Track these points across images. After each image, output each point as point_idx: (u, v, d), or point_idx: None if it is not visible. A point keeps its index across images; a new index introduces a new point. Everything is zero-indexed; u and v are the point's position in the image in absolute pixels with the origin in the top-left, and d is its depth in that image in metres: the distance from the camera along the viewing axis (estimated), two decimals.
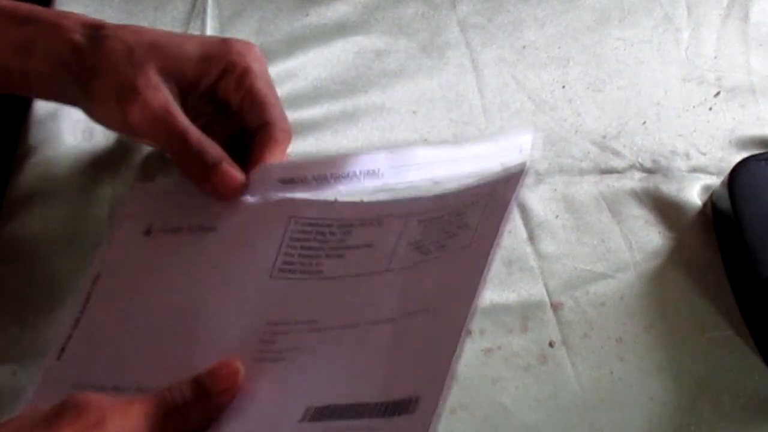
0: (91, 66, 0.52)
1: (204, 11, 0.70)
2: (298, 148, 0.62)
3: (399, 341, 0.45)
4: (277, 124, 0.55)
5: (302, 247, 0.50)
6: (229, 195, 0.53)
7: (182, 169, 0.53)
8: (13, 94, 0.58)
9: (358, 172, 0.51)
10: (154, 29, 0.56)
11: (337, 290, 0.48)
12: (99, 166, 0.61)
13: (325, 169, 0.51)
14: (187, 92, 0.54)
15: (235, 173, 0.52)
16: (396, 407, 0.41)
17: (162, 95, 0.52)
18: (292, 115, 0.64)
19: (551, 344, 0.54)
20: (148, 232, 0.53)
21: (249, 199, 0.52)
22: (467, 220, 0.47)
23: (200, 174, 0.52)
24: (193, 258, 0.52)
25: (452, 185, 0.51)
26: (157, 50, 0.53)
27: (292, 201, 0.52)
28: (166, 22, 0.70)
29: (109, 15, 0.71)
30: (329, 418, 0.42)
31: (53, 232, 0.58)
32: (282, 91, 0.65)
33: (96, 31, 0.54)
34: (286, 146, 0.55)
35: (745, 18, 0.69)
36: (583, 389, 0.52)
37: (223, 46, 0.55)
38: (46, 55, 0.53)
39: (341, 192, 0.51)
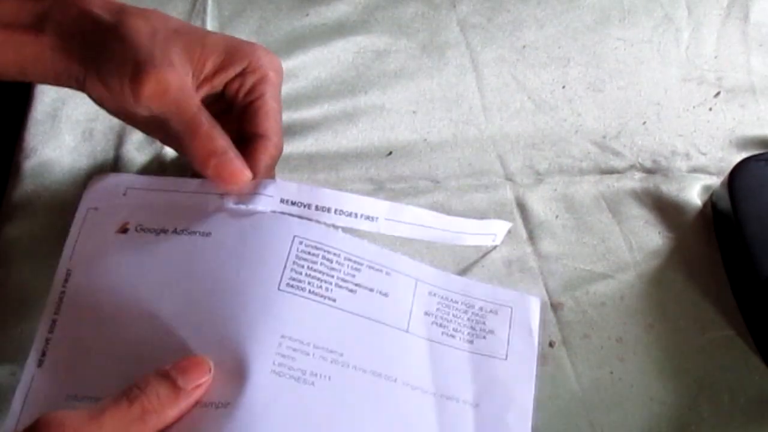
0: (107, 40, 0.51)
1: (204, 11, 0.70)
2: (298, 148, 0.62)
3: (447, 421, 0.48)
4: (275, 139, 0.54)
5: (309, 268, 0.50)
6: (229, 183, 0.51)
7: (187, 149, 0.52)
8: (13, 93, 0.58)
9: (358, 214, 0.52)
10: (179, 19, 0.55)
11: (357, 328, 0.49)
12: (98, 167, 0.61)
13: (331, 203, 0.52)
14: (202, 83, 0.53)
15: (241, 166, 0.51)
16: None
17: (180, 73, 0.51)
18: (292, 116, 0.64)
19: (551, 344, 0.54)
20: (124, 230, 0.52)
21: (243, 207, 0.52)
22: (492, 328, 0.52)
23: (205, 159, 0.51)
24: (183, 261, 0.50)
25: (446, 257, 0.57)
26: (181, 35, 0.52)
27: (295, 221, 0.51)
28: None
29: None
30: None
31: (53, 232, 0.58)
32: (282, 91, 0.65)
33: (119, 8, 0.52)
34: (276, 163, 0.54)
35: (745, 18, 0.69)
36: (583, 389, 0.52)
37: (249, 48, 0.54)
38: (59, 28, 0.51)
39: (337, 224, 0.52)
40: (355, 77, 0.66)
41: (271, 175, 0.54)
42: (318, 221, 0.52)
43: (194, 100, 0.51)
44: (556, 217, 0.59)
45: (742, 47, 0.68)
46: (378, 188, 0.60)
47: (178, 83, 0.51)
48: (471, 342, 0.51)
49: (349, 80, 0.66)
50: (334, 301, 0.49)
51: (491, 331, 0.51)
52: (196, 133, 0.51)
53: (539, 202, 0.59)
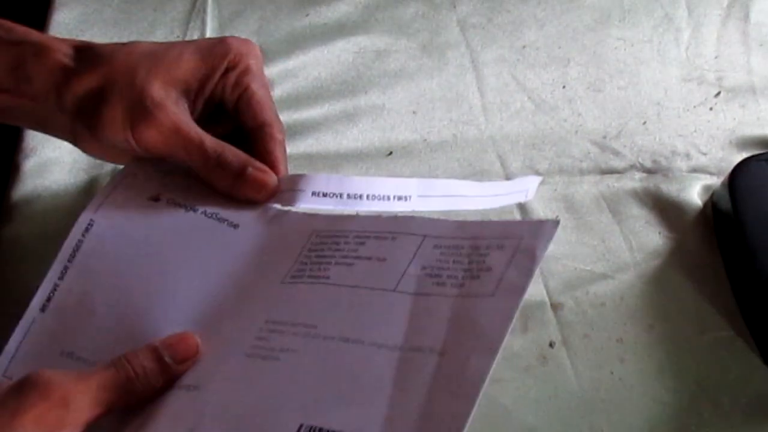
0: (89, 87, 0.51)
1: (204, 11, 0.70)
2: (298, 148, 0.62)
3: (404, 376, 0.44)
4: (275, 124, 0.54)
5: (317, 256, 0.49)
6: (261, 199, 0.52)
7: (208, 183, 0.52)
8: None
9: (391, 196, 0.51)
10: (147, 42, 0.55)
11: (339, 298, 0.48)
12: (98, 167, 0.61)
13: (363, 189, 0.51)
14: (195, 99, 0.54)
15: (264, 176, 0.52)
16: None
17: (171, 111, 0.51)
18: (292, 116, 0.64)
19: (551, 344, 0.54)
20: (156, 199, 0.52)
21: (276, 205, 0.52)
22: (491, 264, 0.47)
23: (228, 184, 0.52)
24: (205, 245, 0.51)
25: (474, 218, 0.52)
26: (158, 64, 0.52)
27: (316, 216, 0.51)
28: (166, 22, 0.70)
29: (109, 15, 0.71)
30: None
31: (53, 232, 0.57)
32: (282, 91, 0.65)
33: (86, 52, 0.52)
34: (285, 142, 0.55)
35: (746, 18, 0.69)
36: (583, 390, 0.52)
37: (222, 46, 0.54)
38: (37, 76, 0.51)
39: (366, 210, 0.51)
40: (355, 77, 0.66)
41: (285, 156, 0.54)
42: (340, 214, 0.52)
43: (192, 130, 0.51)
44: (556, 217, 0.59)
45: (743, 47, 0.67)
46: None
47: (173, 119, 0.51)
48: (461, 286, 0.47)
49: (349, 80, 0.66)
50: (328, 278, 0.48)
51: (488, 269, 0.47)
52: (207, 165, 0.51)
53: (539, 203, 0.59)
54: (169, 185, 0.53)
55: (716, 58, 0.67)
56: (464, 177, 0.61)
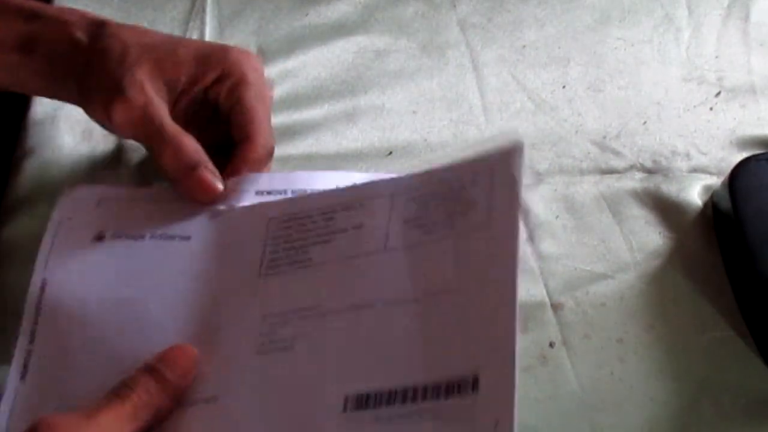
0: (86, 63, 0.52)
1: (203, 11, 0.70)
2: (298, 148, 0.62)
3: (429, 321, 0.44)
4: (259, 140, 0.54)
5: (285, 242, 0.49)
6: (203, 200, 0.52)
7: (159, 168, 0.53)
8: (12, 94, 0.58)
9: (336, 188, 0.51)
10: (156, 32, 0.56)
11: (332, 274, 0.48)
12: (98, 167, 0.61)
13: (305, 184, 0.52)
14: (180, 96, 0.54)
15: (211, 180, 0.52)
16: (451, 388, 0.41)
17: (145, 95, 0.52)
18: (292, 116, 0.64)
19: (551, 345, 0.54)
20: (100, 238, 0.52)
21: (221, 207, 0.52)
22: (473, 197, 0.47)
23: (176, 175, 0.52)
24: (163, 264, 0.50)
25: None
26: (152, 52, 0.53)
27: (268, 204, 0.51)
28: (166, 21, 0.70)
29: (109, 15, 0.70)
30: (376, 405, 0.42)
31: None
32: (282, 91, 0.65)
33: (98, 28, 0.54)
34: (266, 164, 0.55)
35: (746, 18, 0.69)
36: (583, 390, 0.52)
37: (221, 52, 0.55)
38: (47, 51, 0.53)
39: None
40: (355, 77, 0.66)
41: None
42: (293, 196, 0.52)
43: (158, 115, 0.52)
44: (557, 217, 0.59)
45: (743, 47, 0.67)
46: None
47: (143, 102, 0.51)
48: (452, 227, 0.47)
49: (349, 80, 0.66)
50: (311, 260, 0.48)
51: (473, 203, 0.47)
52: (163, 151, 0.52)
53: (539, 202, 0.59)
54: (108, 219, 0.52)
55: (716, 57, 0.67)
56: None
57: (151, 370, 0.44)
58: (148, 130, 0.52)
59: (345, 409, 0.42)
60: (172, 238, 0.51)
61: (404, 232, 0.48)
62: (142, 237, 0.51)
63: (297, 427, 0.43)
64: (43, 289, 0.50)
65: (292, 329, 0.46)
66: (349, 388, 0.43)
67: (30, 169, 0.61)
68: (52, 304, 0.49)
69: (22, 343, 0.48)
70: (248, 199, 0.52)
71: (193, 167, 0.51)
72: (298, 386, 0.44)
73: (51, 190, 0.59)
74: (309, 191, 0.52)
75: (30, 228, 0.58)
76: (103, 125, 0.56)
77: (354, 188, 0.50)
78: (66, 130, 0.62)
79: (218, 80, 0.54)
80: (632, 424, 0.51)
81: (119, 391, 0.43)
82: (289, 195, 0.52)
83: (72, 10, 0.55)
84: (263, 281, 0.48)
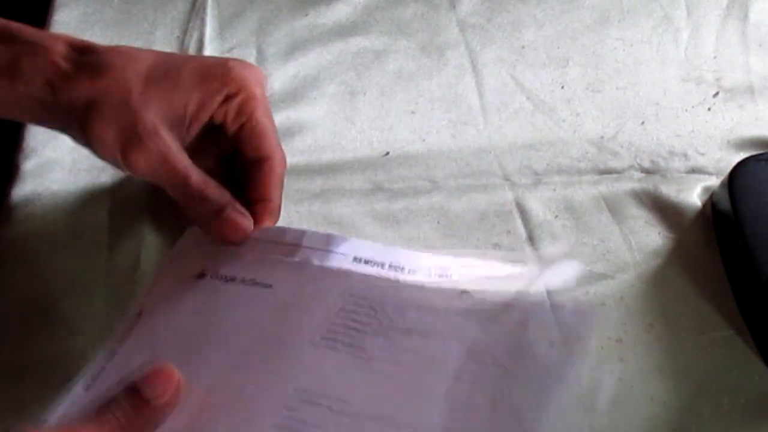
0: (83, 97, 0.50)
1: (204, 11, 0.70)
2: (298, 148, 0.62)
3: None
4: (276, 157, 0.54)
5: (351, 320, 0.48)
6: (233, 241, 0.52)
7: (188, 215, 0.52)
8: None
9: (432, 272, 0.51)
10: (146, 52, 0.54)
11: (375, 376, 0.46)
12: (98, 167, 0.61)
13: (405, 261, 0.51)
14: (189, 125, 0.53)
15: (241, 219, 0.52)
16: None
17: (162, 141, 0.51)
18: (292, 116, 0.64)
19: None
20: (201, 276, 0.52)
21: (315, 263, 0.51)
22: (532, 342, 0.48)
23: (204, 220, 0.52)
24: (242, 311, 0.50)
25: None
26: (155, 86, 0.51)
27: (353, 275, 0.51)
28: (166, 22, 0.70)
29: (109, 15, 0.71)
30: None
31: (53, 232, 0.58)
32: (281, 91, 0.65)
33: (84, 57, 0.51)
34: (283, 177, 0.55)
35: (745, 18, 0.69)
36: (583, 390, 0.52)
37: (223, 69, 0.54)
38: (33, 77, 0.50)
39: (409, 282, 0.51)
40: (355, 78, 0.66)
41: (281, 191, 0.55)
42: (380, 276, 0.51)
43: (180, 163, 0.51)
44: (556, 217, 0.59)
45: (742, 47, 0.68)
46: (376, 188, 0.60)
47: (162, 150, 0.51)
48: (501, 366, 0.47)
49: (349, 80, 0.66)
50: (363, 350, 0.47)
51: (529, 348, 0.48)
52: (189, 199, 0.51)
53: (538, 203, 0.59)
54: (211, 258, 0.53)
55: (715, 58, 0.67)
56: (463, 177, 0.61)
57: (131, 388, 0.43)
58: (171, 181, 0.51)
59: None
60: (256, 284, 0.51)
61: (459, 357, 0.47)
62: (233, 280, 0.52)
63: None
64: (140, 314, 0.50)
65: (314, 415, 0.44)
66: None
67: (30, 168, 0.61)
68: (140, 332, 0.50)
69: (100, 358, 0.48)
70: (345, 263, 0.51)
71: (219, 211, 0.51)
72: None
73: (52, 189, 0.60)
74: (407, 269, 0.51)
75: (30, 228, 0.58)
76: (113, 165, 0.54)
77: (441, 291, 0.50)
78: None
79: (225, 100, 0.53)
80: (632, 424, 0.51)
81: (99, 411, 0.42)
82: (387, 269, 0.51)
83: (54, 35, 0.53)
84: (311, 350, 0.47)
